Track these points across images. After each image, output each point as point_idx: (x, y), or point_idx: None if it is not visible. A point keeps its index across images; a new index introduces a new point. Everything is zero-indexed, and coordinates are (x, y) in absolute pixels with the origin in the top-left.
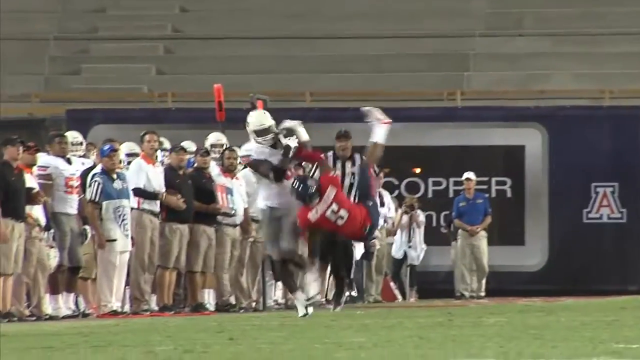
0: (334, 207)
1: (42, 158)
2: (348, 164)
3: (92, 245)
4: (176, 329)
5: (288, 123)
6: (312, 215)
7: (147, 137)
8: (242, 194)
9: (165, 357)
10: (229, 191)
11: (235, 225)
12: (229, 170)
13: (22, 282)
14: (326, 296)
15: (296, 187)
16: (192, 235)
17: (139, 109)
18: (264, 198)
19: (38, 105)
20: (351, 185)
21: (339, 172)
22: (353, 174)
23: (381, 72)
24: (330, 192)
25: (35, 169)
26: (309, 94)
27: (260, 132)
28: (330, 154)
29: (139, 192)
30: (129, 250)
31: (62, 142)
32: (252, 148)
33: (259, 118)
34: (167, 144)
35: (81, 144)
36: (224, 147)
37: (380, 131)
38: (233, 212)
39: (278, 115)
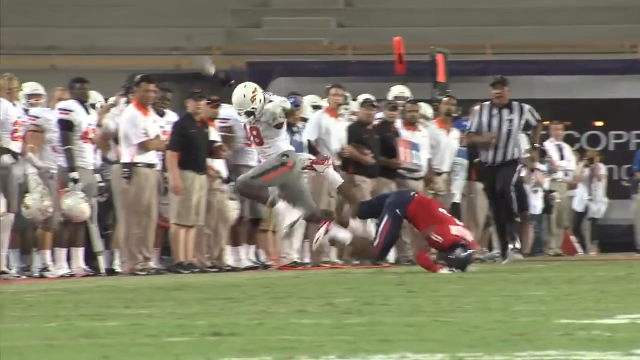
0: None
1: (223, 110)
2: (505, 111)
3: None
4: (356, 281)
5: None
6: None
7: (332, 90)
8: (427, 146)
9: (344, 308)
10: (413, 146)
11: (418, 179)
12: (410, 124)
13: (203, 234)
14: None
15: (454, 262)
16: (374, 188)
17: (319, 62)
18: None
19: (219, 57)
20: (509, 132)
21: (495, 121)
22: (510, 120)
23: (560, 25)
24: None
25: (216, 122)
26: (489, 47)
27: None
28: (486, 104)
29: (308, 145)
30: None
31: None
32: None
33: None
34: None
35: None
36: (407, 100)
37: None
38: (417, 167)
39: (457, 67)
